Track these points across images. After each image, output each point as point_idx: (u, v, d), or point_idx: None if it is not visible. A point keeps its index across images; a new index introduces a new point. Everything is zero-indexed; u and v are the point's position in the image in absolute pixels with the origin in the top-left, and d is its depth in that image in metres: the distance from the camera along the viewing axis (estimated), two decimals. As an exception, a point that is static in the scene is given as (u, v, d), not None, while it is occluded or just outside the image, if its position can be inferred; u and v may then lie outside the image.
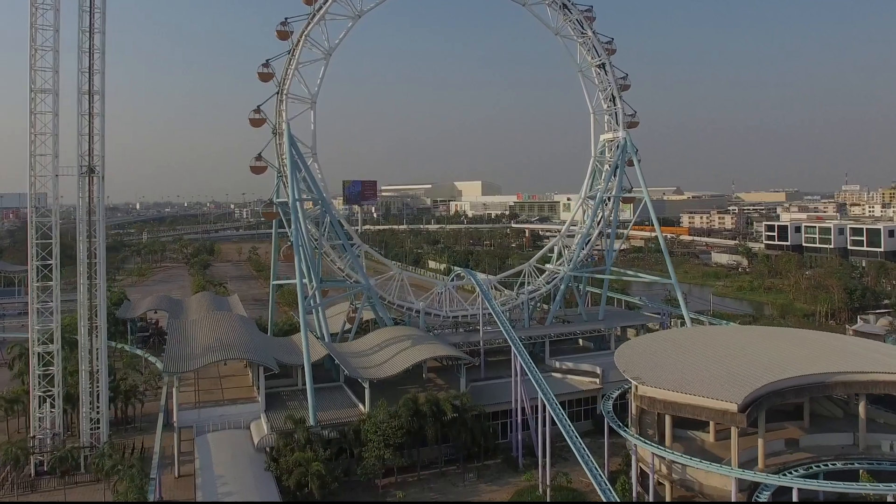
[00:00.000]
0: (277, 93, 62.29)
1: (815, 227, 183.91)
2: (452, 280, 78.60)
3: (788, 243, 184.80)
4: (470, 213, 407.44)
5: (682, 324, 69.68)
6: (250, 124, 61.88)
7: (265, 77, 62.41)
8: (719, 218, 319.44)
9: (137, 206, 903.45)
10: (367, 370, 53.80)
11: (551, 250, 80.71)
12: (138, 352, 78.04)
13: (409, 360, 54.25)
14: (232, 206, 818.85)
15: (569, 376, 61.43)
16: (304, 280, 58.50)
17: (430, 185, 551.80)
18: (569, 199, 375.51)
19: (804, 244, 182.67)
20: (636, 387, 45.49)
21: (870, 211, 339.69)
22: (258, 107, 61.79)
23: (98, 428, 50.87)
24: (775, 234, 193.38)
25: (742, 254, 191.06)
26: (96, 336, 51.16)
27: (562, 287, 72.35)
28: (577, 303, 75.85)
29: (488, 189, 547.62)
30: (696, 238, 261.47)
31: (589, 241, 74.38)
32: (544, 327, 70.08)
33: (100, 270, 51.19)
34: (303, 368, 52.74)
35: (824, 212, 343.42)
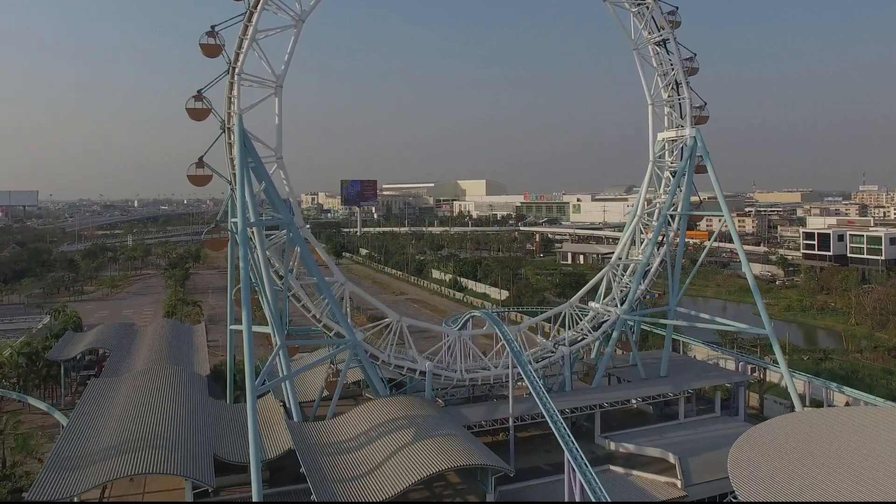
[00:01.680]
0: (228, 72, 44.47)
1: (861, 235, 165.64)
2: (467, 319, 60.84)
3: (831, 253, 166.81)
4: (475, 214, 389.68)
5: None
6: (189, 116, 44.14)
7: (211, 51, 44.44)
8: (739, 221, 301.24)
9: (136, 204, 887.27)
10: (348, 485, 35.98)
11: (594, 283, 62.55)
12: (41, 405, 59.07)
13: (414, 475, 36.23)
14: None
15: (633, 472, 43.60)
16: (274, 331, 41.02)
17: (432, 184, 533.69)
18: (579, 200, 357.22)
19: (849, 254, 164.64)
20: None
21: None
22: (199, 91, 43.95)
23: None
24: (815, 242, 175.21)
25: (778, 264, 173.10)
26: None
27: (613, 335, 54.30)
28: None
29: (493, 188, 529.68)
30: (719, 244, 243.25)
31: (649, 272, 56.39)
32: (592, 391, 52.21)
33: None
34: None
35: (846, 214, 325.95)
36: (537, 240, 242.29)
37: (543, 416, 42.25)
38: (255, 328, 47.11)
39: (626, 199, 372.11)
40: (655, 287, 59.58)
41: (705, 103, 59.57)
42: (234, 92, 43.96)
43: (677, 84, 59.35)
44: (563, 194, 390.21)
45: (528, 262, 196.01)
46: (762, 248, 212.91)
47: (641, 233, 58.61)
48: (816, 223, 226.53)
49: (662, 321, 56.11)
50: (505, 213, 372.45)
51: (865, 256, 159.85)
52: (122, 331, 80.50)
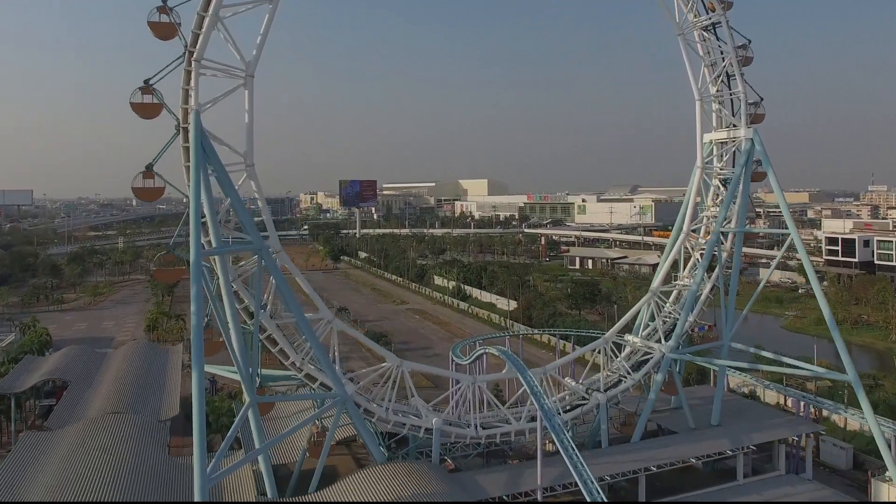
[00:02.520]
0: (183, 56, 35.19)
1: (890, 241, 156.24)
2: (480, 354, 51.48)
3: (856, 259, 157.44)
4: (477, 215, 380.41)
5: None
6: (135, 112, 34.88)
7: (163, 30, 35.07)
8: (749, 223, 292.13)
9: (134, 203, 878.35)
10: None
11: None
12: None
13: None
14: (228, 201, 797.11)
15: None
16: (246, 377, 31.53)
17: (433, 184, 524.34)
18: (584, 201, 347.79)
19: (876, 261, 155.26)
20: None
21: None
22: (147, 82, 34.67)
23: None
24: (839, 248, 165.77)
25: (799, 270, 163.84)
26: None
27: (657, 378, 44.95)
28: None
29: (495, 188, 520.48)
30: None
31: (699, 299, 47.00)
32: (633, 448, 42.93)
33: None
34: None
35: (857, 215, 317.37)
36: (543, 243, 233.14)
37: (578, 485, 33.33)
38: (220, 371, 38.61)
39: (631, 200, 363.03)
40: (701, 317, 50.22)
41: (762, 99, 50.32)
42: (192, 83, 34.66)
43: (728, 76, 50.15)
44: (567, 195, 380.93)
45: (535, 267, 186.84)
46: (778, 254, 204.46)
47: (688, 252, 49.23)
48: (834, 226, 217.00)
49: (718, 362, 46.65)
50: (508, 214, 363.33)
51: (895, 264, 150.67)
52: (87, 357, 71.31)
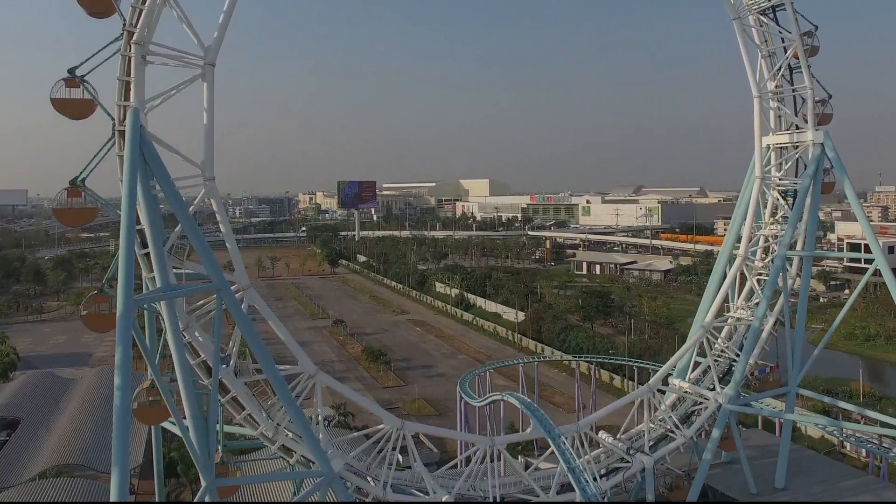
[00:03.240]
0: (121, 38, 27.21)
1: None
2: (493, 400, 43.34)
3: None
4: (479, 216, 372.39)
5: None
6: (58, 111, 26.92)
7: (96, 5, 27.25)
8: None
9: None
10: None
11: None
12: None
13: None
14: (230, 202, 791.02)
15: None
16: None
17: (434, 184, 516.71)
18: (588, 202, 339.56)
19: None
20: None
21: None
22: (73, 72, 26.71)
23: None
24: (860, 253, 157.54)
25: (817, 277, 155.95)
26: None
27: (714, 434, 36.89)
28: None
29: (496, 188, 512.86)
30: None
31: (761, 336, 39.00)
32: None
33: None
34: None
35: (869, 217, 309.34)
36: (548, 246, 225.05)
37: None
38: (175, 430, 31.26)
39: (636, 201, 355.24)
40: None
41: (830, 96, 42.35)
42: (132, 72, 26.69)
43: (790, 69, 42.21)
44: (571, 195, 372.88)
45: (541, 273, 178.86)
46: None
47: (743, 279, 41.14)
48: (850, 229, 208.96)
49: (788, 416, 38.58)
50: (510, 215, 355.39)
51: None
52: (47, 386, 63.44)
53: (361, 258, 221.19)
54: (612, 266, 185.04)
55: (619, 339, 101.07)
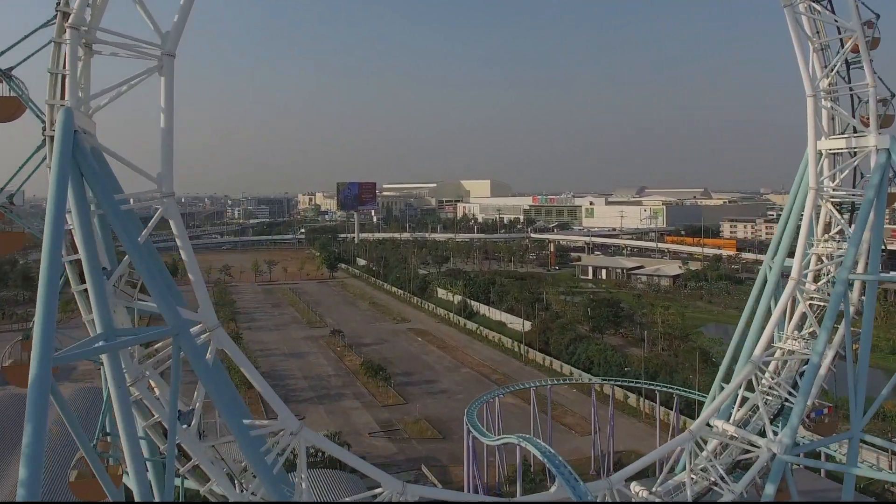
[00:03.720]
0: (54, 19, 21.96)
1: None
2: (506, 443, 37.96)
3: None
4: (480, 217, 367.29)
5: None
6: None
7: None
8: (767, 227, 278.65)
9: (131, 202, 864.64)
10: None
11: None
12: None
13: None
14: (229, 203, 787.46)
15: None
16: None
17: (434, 184, 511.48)
18: (592, 204, 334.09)
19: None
20: None
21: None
22: (-5, 64, 21.43)
23: None
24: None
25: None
26: None
27: (769, 489, 31.56)
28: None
29: (498, 189, 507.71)
30: (741, 254, 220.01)
31: (820, 373, 33.65)
32: None
33: None
34: None
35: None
36: (552, 250, 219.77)
37: None
38: None
39: (640, 202, 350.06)
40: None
41: (893, 95, 37.00)
42: (66, 62, 21.38)
43: (848, 64, 36.90)
44: (574, 196, 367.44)
45: (546, 278, 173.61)
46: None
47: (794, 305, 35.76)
48: None
49: (854, 471, 33.24)
50: (512, 217, 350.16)
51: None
52: (7, 408, 58.03)
53: (361, 262, 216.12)
54: (619, 271, 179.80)
55: (631, 351, 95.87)
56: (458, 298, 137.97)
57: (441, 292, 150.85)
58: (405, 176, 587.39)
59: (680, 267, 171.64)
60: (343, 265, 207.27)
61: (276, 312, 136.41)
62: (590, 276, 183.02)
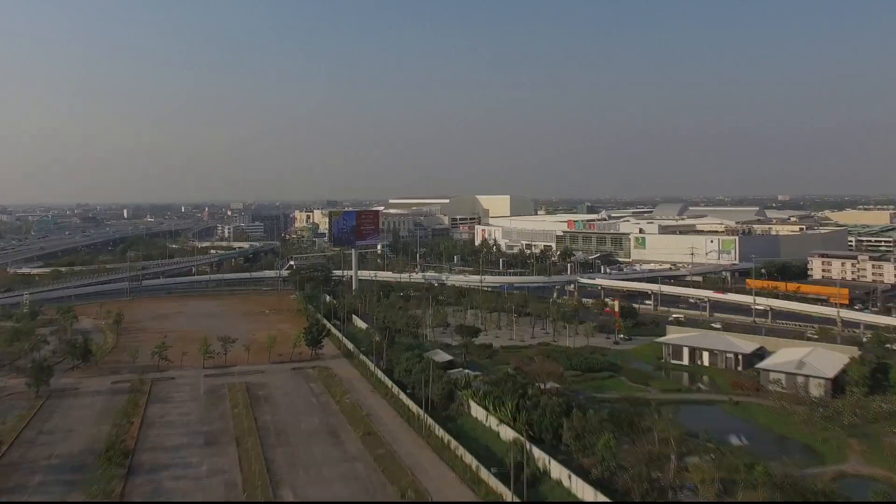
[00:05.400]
0: None
1: None
2: None
3: None
4: (503, 243, 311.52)
5: None
6: None
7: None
8: (874, 267, 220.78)
9: (125, 214, 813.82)
10: None
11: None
12: None
13: None
14: (227, 213, 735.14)
15: None
16: None
17: (447, 200, 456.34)
18: (642, 232, 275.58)
19: None
20: None
21: None
22: None
23: None
24: None
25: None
26: None
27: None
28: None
29: (519, 206, 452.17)
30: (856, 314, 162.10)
31: None
32: None
33: None
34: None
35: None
36: (615, 309, 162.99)
37: None
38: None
39: (694, 227, 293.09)
40: None
41: None
42: None
43: None
44: (619, 220, 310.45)
45: (616, 358, 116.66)
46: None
47: None
48: None
49: None
50: (543, 245, 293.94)
51: None
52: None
53: (359, 323, 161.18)
54: (731, 357, 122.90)
55: None
56: (507, 433, 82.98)
57: (475, 410, 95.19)
58: (414, 191, 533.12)
59: (851, 358, 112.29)
60: (334, 329, 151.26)
61: (205, 466, 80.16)
62: (684, 361, 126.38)
